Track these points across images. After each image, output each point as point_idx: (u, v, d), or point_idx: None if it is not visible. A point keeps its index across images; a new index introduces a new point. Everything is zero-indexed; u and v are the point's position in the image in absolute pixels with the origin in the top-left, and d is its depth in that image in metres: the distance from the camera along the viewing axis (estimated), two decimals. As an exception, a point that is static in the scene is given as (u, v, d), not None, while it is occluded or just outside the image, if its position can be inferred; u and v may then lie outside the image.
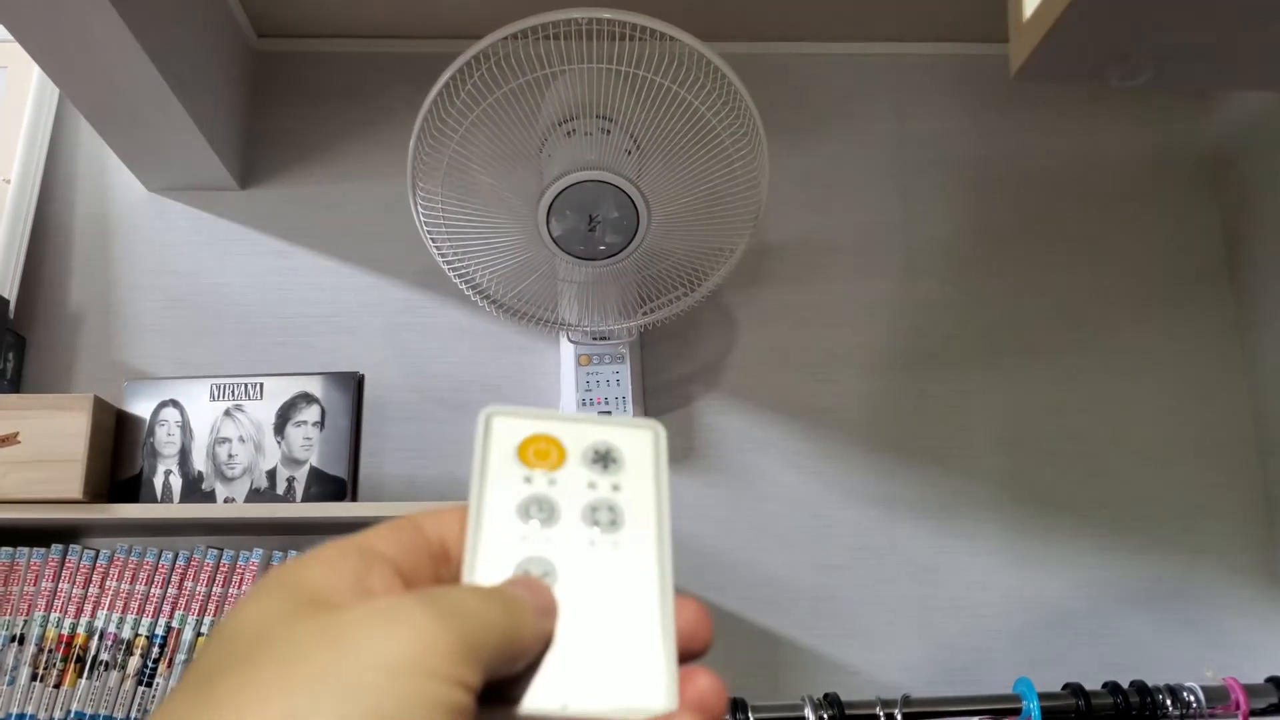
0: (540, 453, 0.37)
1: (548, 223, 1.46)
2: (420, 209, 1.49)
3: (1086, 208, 1.95)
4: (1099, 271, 1.91)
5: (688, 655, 0.35)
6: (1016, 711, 1.35)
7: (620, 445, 0.38)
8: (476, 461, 0.37)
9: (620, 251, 1.51)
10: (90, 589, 1.52)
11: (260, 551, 1.53)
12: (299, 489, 1.55)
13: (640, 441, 0.39)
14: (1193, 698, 1.35)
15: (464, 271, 1.56)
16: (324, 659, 0.28)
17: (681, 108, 1.40)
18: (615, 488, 0.37)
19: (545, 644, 0.33)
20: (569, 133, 1.47)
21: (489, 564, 0.35)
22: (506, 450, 0.37)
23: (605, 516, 0.36)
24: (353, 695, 0.27)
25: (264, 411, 1.58)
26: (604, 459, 0.38)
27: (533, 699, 0.32)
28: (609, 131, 1.46)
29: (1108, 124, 2.00)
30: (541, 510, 0.36)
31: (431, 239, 1.52)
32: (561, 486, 0.37)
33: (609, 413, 1.71)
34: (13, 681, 1.48)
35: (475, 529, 0.35)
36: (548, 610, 0.34)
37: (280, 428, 1.57)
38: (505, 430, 0.38)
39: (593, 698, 0.33)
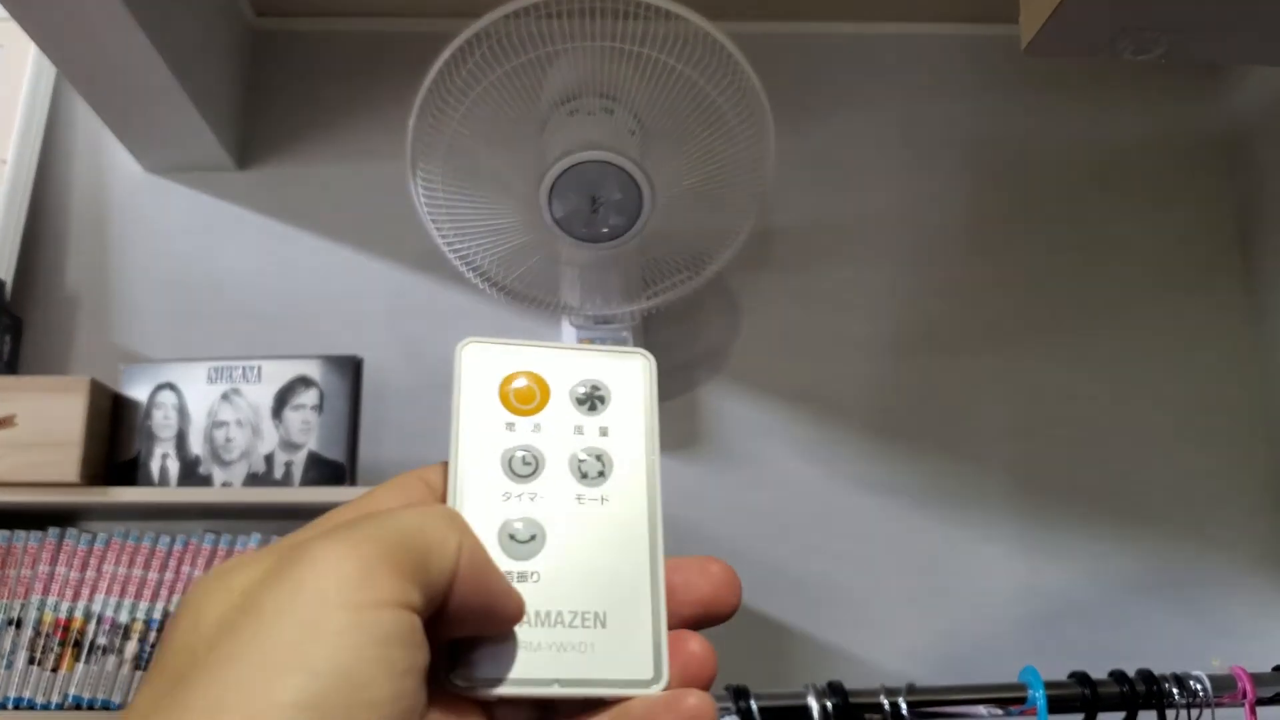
0: (523, 394, 0.35)
1: (549, 204, 1.45)
2: (420, 190, 1.48)
3: (1097, 191, 1.93)
4: (1109, 256, 1.90)
5: (712, 619, 0.34)
6: (1022, 700, 1.34)
7: (608, 380, 0.36)
8: (455, 404, 0.35)
9: (623, 233, 1.49)
10: (87, 573, 1.51)
11: (258, 536, 1.52)
12: (296, 473, 1.54)
13: (629, 372, 0.36)
14: (1199, 686, 1.34)
15: (464, 253, 1.54)
16: (244, 636, 0.26)
17: (686, 87, 1.39)
18: (603, 431, 0.35)
19: (463, 556, 0.30)
20: (571, 112, 1.45)
21: (473, 526, 0.33)
22: (487, 390, 0.35)
23: (593, 467, 0.34)
24: (277, 666, 0.25)
25: (261, 395, 1.57)
26: (591, 397, 0.36)
27: (518, 675, 0.31)
28: (612, 111, 1.44)
29: (1119, 106, 1.98)
30: (526, 464, 0.34)
31: (431, 220, 1.51)
32: (546, 432, 0.35)
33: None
34: (10, 665, 1.47)
35: (456, 486, 0.33)
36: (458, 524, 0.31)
37: (278, 411, 1.56)
38: (484, 365, 0.35)
39: (579, 672, 0.31)
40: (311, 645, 0.26)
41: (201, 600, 0.29)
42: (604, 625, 0.32)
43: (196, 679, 0.26)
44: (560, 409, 0.35)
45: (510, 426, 0.35)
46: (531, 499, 0.34)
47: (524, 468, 0.34)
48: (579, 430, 0.35)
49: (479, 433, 0.34)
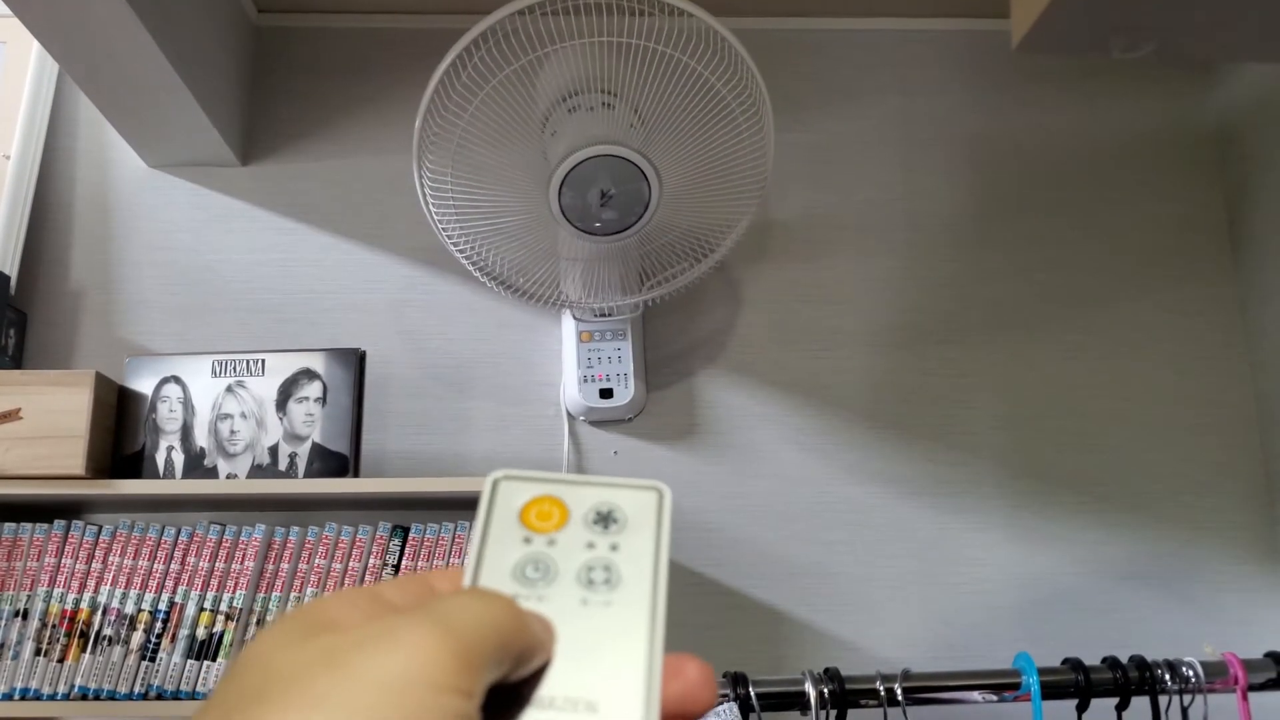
0: (542, 514, 0.38)
1: (559, 199, 1.45)
2: (424, 187, 1.49)
3: (1090, 184, 1.94)
4: (1101, 248, 1.91)
5: (687, 716, 0.36)
6: (1016, 686, 1.36)
7: (623, 505, 0.39)
8: (479, 524, 0.38)
9: (632, 225, 1.50)
10: (93, 564, 1.53)
11: (262, 527, 1.54)
12: (301, 465, 1.56)
13: (644, 502, 0.39)
14: (1191, 673, 1.35)
15: (467, 249, 1.55)
16: (326, 683, 0.28)
17: (688, 77, 1.39)
18: (614, 547, 0.38)
19: (545, 661, 0.34)
20: (571, 109, 1.46)
21: None
22: (509, 513, 0.38)
23: (600, 576, 0.37)
24: (356, 715, 0.28)
25: (266, 388, 1.58)
26: (605, 519, 0.38)
27: None
28: (612, 106, 1.45)
29: (1111, 100, 1.99)
30: (537, 570, 0.37)
31: (435, 217, 1.52)
32: (560, 547, 0.37)
33: (610, 390, 1.71)
34: (16, 656, 1.49)
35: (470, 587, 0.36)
36: (548, 627, 0.35)
37: (282, 404, 1.58)
38: (511, 493, 0.39)
39: None
40: (391, 711, 0.28)
41: (278, 642, 0.31)
42: (594, 711, 0.33)
43: (266, 712, 0.28)
44: (575, 528, 0.38)
45: (527, 541, 0.37)
46: (539, 600, 0.36)
47: (534, 574, 0.36)
48: (590, 546, 0.38)
49: (497, 547, 0.37)
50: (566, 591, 0.36)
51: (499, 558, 0.37)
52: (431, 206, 1.50)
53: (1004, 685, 1.36)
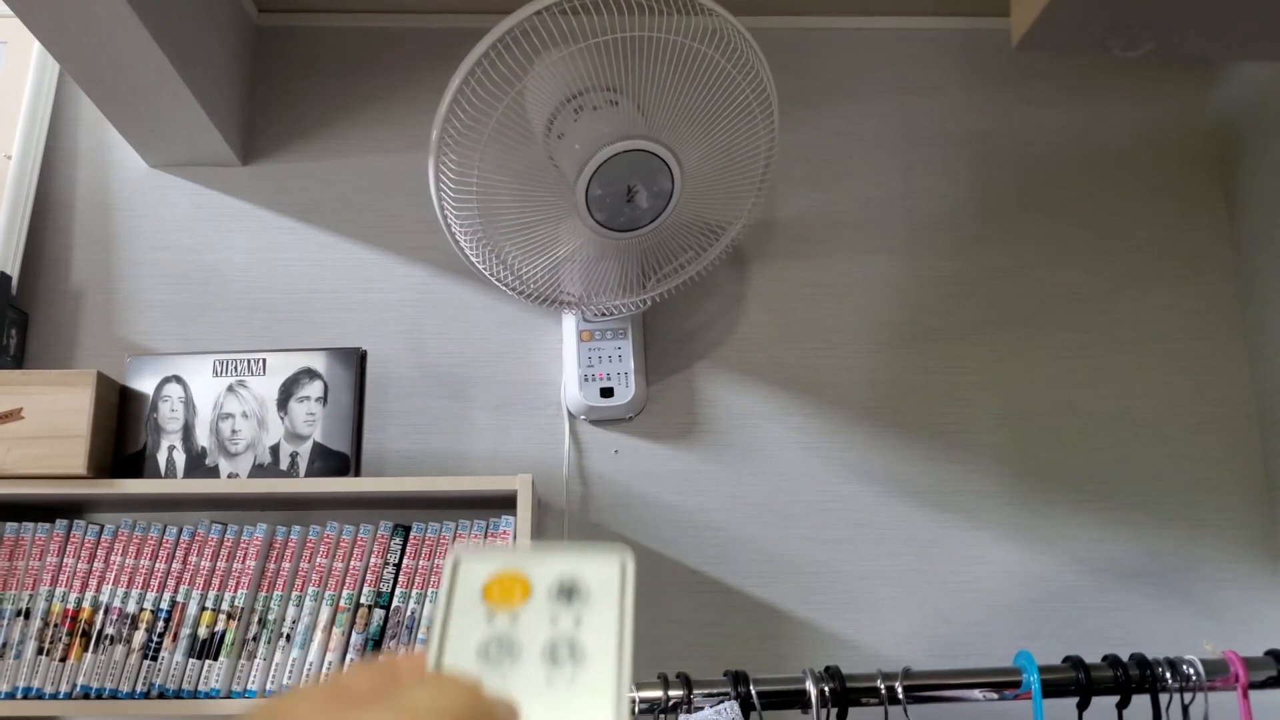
0: (504, 591, 0.38)
1: (587, 197, 1.45)
2: (441, 190, 1.48)
3: (1088, 183, 1.95)
4: (1101, 246, 1.91)
5: None
6: (1017, 684, 1.36)
7: (586, 576, 0.39)
8: (441, 603, 0.38)
9: (657, 218, 1.50)
10: (95, 564, 1.53)
11: (264, 526, 1.54)
12: (302, 464, 1.56)
13: (607, 571, 0.39)
14: (1192, 671, 1.35)
15: (483, 253, 1.55)
16: None
17: (698, 62, 1.39)
18: (577, 621, 0.38)
19: None
20: (577, 109, 1.46)
21: None
22: (472, 591, 0.38)
23: (564, 653, 0.37)
24: None
25: (267, 387, 1.58)
26: (569, 592, 0.38)
27: None
28: (617, 103, 1.44)
29: (1110, 99, 1.99)
30: (501, 649, 0.37)
31: (454, 221, 1.51)
32: (523, 624, 0.37)
33: (611, 390, 1.71)
34: (19, 655, 1.49)
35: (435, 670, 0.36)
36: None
37: (283, 403, 1.58)
38: (472, 571, 0.39)
39: None
40: None
41: None
42: None
43: None
44: (538, 603, 0.38)
45: (490, 619, 0.37)
46: (503, 679, 0.36)
47: (498, 654, 0.37)
48: (554, 621, 0.38)
49: (460, 626, 0.37)
50: (531, 669, 0.36)
51: (462, 638, 0.37)
52: (449, 211, 1.49)
53: (1005, 683, 1.36)
